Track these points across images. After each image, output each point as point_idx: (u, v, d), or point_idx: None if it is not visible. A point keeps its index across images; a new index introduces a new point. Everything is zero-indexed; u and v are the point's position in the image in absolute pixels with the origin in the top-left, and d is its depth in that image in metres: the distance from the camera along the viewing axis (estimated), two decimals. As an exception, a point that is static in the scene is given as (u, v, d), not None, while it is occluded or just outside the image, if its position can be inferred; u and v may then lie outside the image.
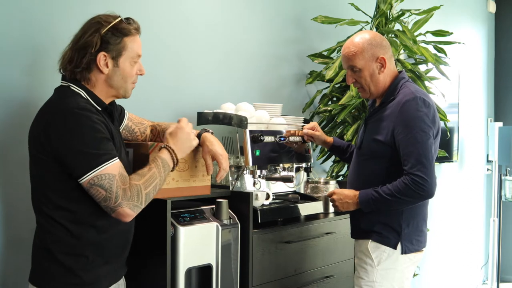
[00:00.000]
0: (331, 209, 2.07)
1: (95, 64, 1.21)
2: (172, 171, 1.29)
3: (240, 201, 1.65)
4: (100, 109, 1.24)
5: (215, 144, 1.43)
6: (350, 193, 1.59)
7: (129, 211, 1.17)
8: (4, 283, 1.46)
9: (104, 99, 1.26)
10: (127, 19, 1.26)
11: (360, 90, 1.64)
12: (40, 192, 1.21)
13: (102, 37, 1.20)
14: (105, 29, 1.21)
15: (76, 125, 1.14)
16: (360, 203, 1.56)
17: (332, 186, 1.88)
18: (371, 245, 1.57)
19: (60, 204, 1.18)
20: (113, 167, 1.16)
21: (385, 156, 1.55)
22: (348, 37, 2.32)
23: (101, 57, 1.21)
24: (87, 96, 1.22)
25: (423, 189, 1.46)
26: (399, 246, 1.55)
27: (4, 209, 1.47)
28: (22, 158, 1.35)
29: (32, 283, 1.23)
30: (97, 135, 1.15)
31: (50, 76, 1.39)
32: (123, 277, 1.35)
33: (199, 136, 1.46)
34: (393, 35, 2.28)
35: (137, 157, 1.45)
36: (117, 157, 1.18)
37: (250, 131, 1.76)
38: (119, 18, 1.25)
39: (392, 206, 1.52)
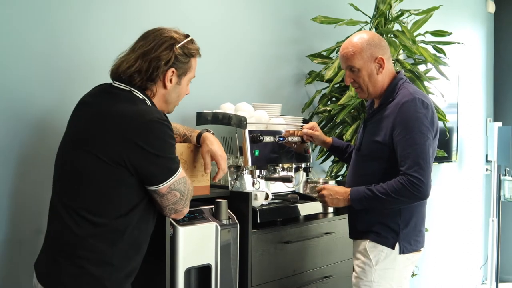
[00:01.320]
0: (330, 209, 2.07)
1: (161, 78, 1.24)
2: None
3: (240, 201, 1.65)
4: None
5: (214, 144, 1.44)
6: (340, 190, 1.60)
7: (188, 209, 1.28)
8: (6, 283, 1.46)
9: None
10: (192, 39, 1.29)
11: (358, 90, 1.64)
12: (85, 194, 1.16)
13: (176, 54, 1.23)
14: (179, 46, 1.24)
15: (161, 134, 1.16)
16: (352, 200, 1.56)
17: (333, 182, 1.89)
18: (369, 245, 1.58)
19: (105, 209, 1.15)
20: (183, 171, 1.24)
21: (384, 157, 1.55)
22: (347, 38, 2.34)
23: (170, 73, 1.24)
24: (150, 104, 1.24)
25: (419, 190, 1.47)
26: (397, 246, 1.55)
27: (7, 210, 1.47)
28: (23, 161, 1.36)
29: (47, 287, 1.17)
30: (173, 142, 1.20)
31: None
32: None
33: (199, 135, 1.47)
34: (392, 35, 2.28)
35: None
36: None
37: (250, 131, 1.76)
38: (190, 38, 1.29)
39: (385, 205, 1.52)
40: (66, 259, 1.16)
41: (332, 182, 2.09)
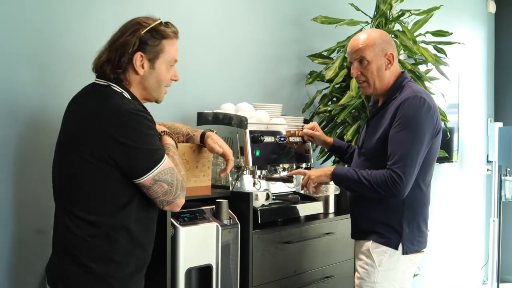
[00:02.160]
0: (331, 210, 2.07)
1: (131, 64, 1.21)
2: None
3: (240, 201, 1.65)
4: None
5: (219, 140, 1.45)
6: (322, 169, 1.64)
7: (183, 200, 1.22)
8: (9, 283, 1.46)
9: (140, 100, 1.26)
10: (166, 22, 1.27)
11: (363, 85, 1.62)
12: (77, 194, 1.16)
13: (141, 38, 1.21)
14: (144, 30, 1.21)
15: (137, 125, 1.14)
16: (333, 173, 1.59)
17: (332, 186, 1.88)
18: (372, 245, 1.57)
19: (98, 207, 1.15)
20: (169, 161, 1.20)
21: (385, 156, 1.55)
22: (349, 37, 2.34)
23: (138, 57, 1.21)
24: (129, 97, 1.22)
25: (397, 187, 1.47)
26: (400, 246, 1.55)
27: (8, 210, 1.47)
28: (24, 160, 1.36)
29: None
30: (153, 133, 1.18)
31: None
32: None
33: (203, 135, 1.47)
34: (393, 36, 2.27)
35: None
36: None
37: (250, 132, 1.76)
38: (159, 21, 1.25)
39: (363, 191, 1.54)
40: (70, 260, 1.16)
41: (332, 182, 2.06)
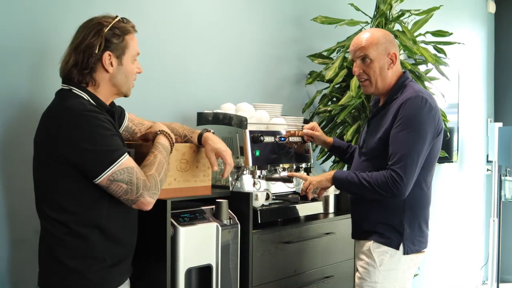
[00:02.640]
0: (331, 210, 2.07)
1: (100, 64, 1.23)
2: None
3: (240, 201, 1.64)
4: (101, 110, 1.24)
5: (217, 142, 1.45)
6: (323, 174, 1.65)
7: (150, 199, 1.21)
8: (8, 284, 1.46)
9: (107, 99, 1.27)
10: (123, 18, 1.28)
11: (365, 83, 1.62)
12: (47, 196, 1.20)
13: (105, 37, 1.22)
14: (107, 29, 1.22)
15: (86, 126, 1.15)
16: (334, 177, 1.59)
17: (332, 187, 1.88)
18: (373, 246, 1.57)
19: (66, 207, 1.18)
20: (129, 160, 1.19)
21: (386, 156, 1.55)
22: (349, 37, 2.34)
23: (106, 57, 1.23)
24: (89, 99, 1.23)
25: (397, 187, 1.47)
26: (401, 246, 1.55)
27: (6, 210, 1.47)
28: (24, 160, 1.35)
29: (41, 287, 1.23)
30: (107, 133, 1.17)
31: (52, 78, 1.39)
32: (128, 278, 1.35)
33: (200, 135, 1.47)
34: (393, 36, 2.27)
35: (138, 157, 1.45)
36: (127, 152, 1.20)
37: (250, 132, 1.75)
38: (118, 18, 1.26)
39: (364, 193, 1.54)
40: (51, 259, 1.20)
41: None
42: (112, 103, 1.33)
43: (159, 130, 1.33)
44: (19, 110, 1.48)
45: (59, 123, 1.16)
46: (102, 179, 1.16)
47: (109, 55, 1.23)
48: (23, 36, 1.49)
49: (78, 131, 1.15)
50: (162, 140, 1.31)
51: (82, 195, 1.19)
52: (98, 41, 1.21)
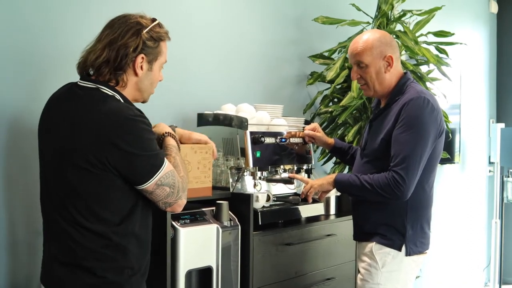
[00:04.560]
0: (332, 211, 2.06)
1: (131, 66, 1.19)
2: None
3: (241, 202, 1.64)
4: None
5: (191, 133, 1.47)
6: (324, 178, 1.64)
7: (185, 200, 1.22)
8: (6, 285, 1.45)
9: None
10: (159, 23, 1.25)
11: (364, 87, 1.63)
12: (78, 204, 1.13)
13: (143, 40, 1.19)
14: (145, 31, 1.20)
15: (136, 131, 1.12)
16: (335, 181, 1.59)
17: (333, 189, 1.87)
18: (375, 247, 1.56)
19: (104, 216, 1.13)
20: (169, 163, 1.19)
21: (388, 157, 1.54)
22: (350, 38, 2.33)
23: (139, 60, 1.20)
24: (121, 99, 1.18)
25: (399, 189, 1.47)
26: (403, 248, 1.54)
27: (5, 212, 1.46)
28: (22, 161, 1.35)
29: None
30: (152, 137, 1.16)
31: (44, 80, 1.38)
32: None
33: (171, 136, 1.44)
34: (394, 36, 2.26)
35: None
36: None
37: (251, 133, 1.75)
38: (157, 21, 1.24)
39: (366, 195, 1.54)
40: (83, 272, 1.14)
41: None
42: None
43: (165, 132, 1.29)
44: (17, 112, 1.48)
45: (106, 127, 1.10)
46: (150, 184, 1.14)
47: (142, 58, 1.20)
48: (12, 39, 1.47)
49: (129, 136, 1.11)
50: (171, 142, 1.28)
51: (120, 203, 1.15)
52: (136, 42, 1.17)
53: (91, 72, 1.20)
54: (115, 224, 1.14)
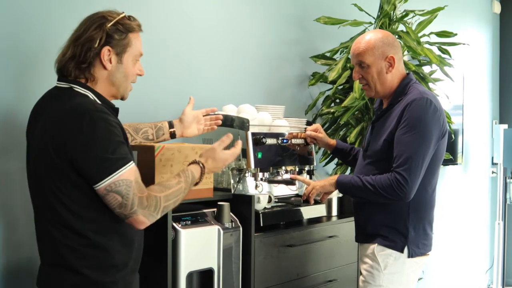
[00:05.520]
0: (334, 212, 2.05)
1: (98, 60, 1.17)
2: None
3: (242, 204, 1.63)
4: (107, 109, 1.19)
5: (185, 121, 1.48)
6: (326, 179, 1.64)
7: (144, 219, 1.12)
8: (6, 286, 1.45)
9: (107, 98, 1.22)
10: (130, 16, 1.23)
11: (365, 87, 1.62)
12: (57, 204, 1.12)
13: (107, 32, 1.17)
14: (110, 24, 1.17)
15: (93, 129, 1.08)
16: (337, 182, 1.58)
17: (335, 190, 1.87)
18: (377, 249, 1.55)
19: (82, 214, 1.12)
20: (130, 172, 1.11)
21: (391, 158, 1.53)
22: (352, 38, 2.32)
23: (105, 52, 1.17)
24: (94, 97, 1.17)
25: (402, 190, 1.46)
26: (405, 249, 1.53)
27: (4, 213, 1.45)
28: (21, 162, 1.34)
29: None
30: (113, 139, 1.10)
31: (39, 79, 1.37)
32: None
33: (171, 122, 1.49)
34: (396, 36, 2.25)
35: (141, 160, 1.44)
36: (132, 161, 1.13)
37: (252, 133, 1.74)
38: (123, 14, 1.22)
39: (368, 196, 1.53)
40: (66, 271, 1.13)
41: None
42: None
43: (200, 162, 1.25)
44: (16, 112, 1.47)
45: (66, 125, 1.09)
46: (100, 187, 1.09)
47: (109, 50, 1.17)
48: (6, 37, 1.46)
49: (85, 133, 1.08)
50: (196, 172, 1.23)
51: (97, 200, 1.12)
52: (99, 35, 1.16)
53: (61, 68, 1.19)
54: (95, 222, 1.12)
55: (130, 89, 1.26)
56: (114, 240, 1.15)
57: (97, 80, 1.19)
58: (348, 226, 1.91)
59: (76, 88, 1.16)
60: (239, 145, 1.39)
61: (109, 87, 1.21)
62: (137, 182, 1.12)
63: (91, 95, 1.16)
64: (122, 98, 1.26)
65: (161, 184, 1.17)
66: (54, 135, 1.10)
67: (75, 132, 1.08)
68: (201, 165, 1.25)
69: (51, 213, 1.13)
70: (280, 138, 1.83)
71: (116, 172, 1.09)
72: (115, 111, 1.22)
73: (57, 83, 1.19)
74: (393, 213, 1.54)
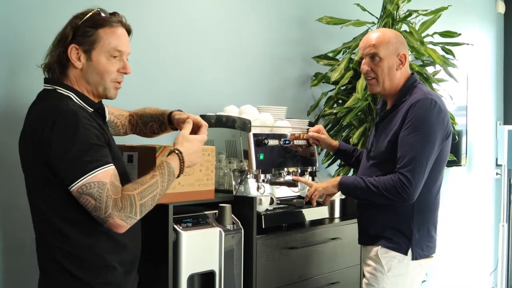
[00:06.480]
0: (337, 214, 2.04)
1: (68, 58, 1.15)
2: (177, 177, 1.20)
3: (244, 206, 1.62)
4: (92, 110, 1.18)
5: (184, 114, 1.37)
6: (329, 180, 1.62)
7: (121, 222, 1.08)
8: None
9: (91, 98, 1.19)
10: (112, 13, 1.19)
11: (372, 82, 1.60)
12: (44, 204, 1.12)
13: (75, 29, 1.14)
14: (81, 21, 1.15)
15: (67, 130, 1.07)
16: (340, 183, 1.57)
17: (338, 192, 1.85)
18: (381, 251, 1.54)
19: (67, 215, 1.11)
20: (104, 174, 1.07)
21: (395, 160, 1.51)
22: (355, 38, 2.31)
23: (72, 50, 1.14)
24: (77, 98, 1.15)
25: (406, 191, 1.45)
26: (409, 252, 1.52)
27: (4, 214, 1.45)
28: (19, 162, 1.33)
29: None
30: (87, 141, 1.08)
31: (32, 80, 1.36)
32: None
33: (170, 115, 1.39)
34: (404, 38, 2.24)
35: (141, 161, 1.42)
36: (110, 164, 1.10)
37: (254, 135, 1.73)
38: (96, 10, 1.18)
39: (372, 198, 1.51)
40: (58, 272, 1.13)
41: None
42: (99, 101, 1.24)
43: (176, 149, 1.19)
44: (14, 112, 1.46)
45: (42, 125, 1.08)
46: (72, 189, 1.07)
47: (76, 48, 1.14)
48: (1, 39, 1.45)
49: (59, 134, 1.06)
50: (173, 162, 1.17)
51: (76, 202, 1.10)
52: (67, 32, 1.14)
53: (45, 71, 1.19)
54: (82, 223, 1.11)
55: (115, 87, 1.20)
56: (103, 241, 1.14)
57: (76, 80, 1.18)
58: (350, 228, 1.90)
59: (59, 89, 1.16)
60: (204, 127, 1.31)
61: (87, 86, 1.18)
62: (113, 185, 1.09)
63: (73, 96, 1.15)
64: (108, 98, 1.21)
65: (135, 181, 1.14)
66: (31, 136, 1.11)
67: (48, 134, 1.07)
68: (176, 151, 1.19)
69: (39, 214, 1.14)
70: (282, 139, 1.81)
71: (88, 174, 1.06)
72: (100, 112, 1.20)
73: (43, 85, 1.19)
74: (397, 215, 1.53)
